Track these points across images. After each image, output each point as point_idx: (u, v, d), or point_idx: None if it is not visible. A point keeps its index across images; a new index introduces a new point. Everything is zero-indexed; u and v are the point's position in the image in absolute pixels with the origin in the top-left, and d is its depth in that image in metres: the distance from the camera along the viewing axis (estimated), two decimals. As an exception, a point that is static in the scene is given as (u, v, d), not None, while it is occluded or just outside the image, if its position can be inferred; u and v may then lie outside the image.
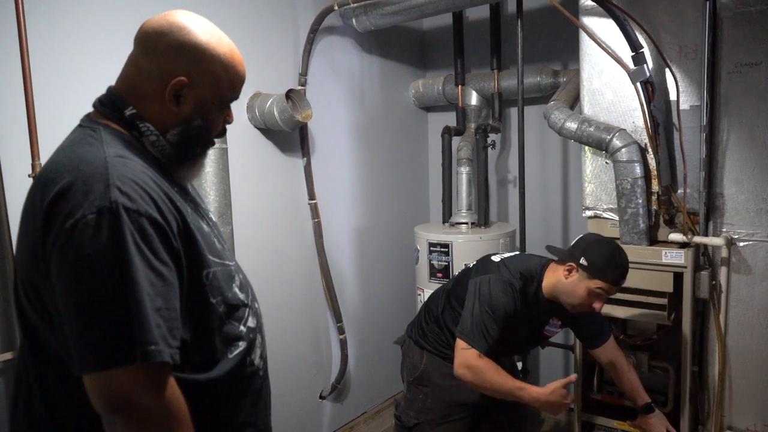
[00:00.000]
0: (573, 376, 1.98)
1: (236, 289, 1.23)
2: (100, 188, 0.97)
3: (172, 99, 1.12)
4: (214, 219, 1.34)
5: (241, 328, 1.22)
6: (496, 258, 2.15)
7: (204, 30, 1.14)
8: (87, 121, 1.15)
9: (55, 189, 0.98)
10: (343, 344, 3.26)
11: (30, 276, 1.03)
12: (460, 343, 1.97)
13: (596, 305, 1.95)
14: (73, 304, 0.95)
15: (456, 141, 3.32)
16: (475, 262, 2.22)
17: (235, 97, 1.23)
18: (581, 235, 2.08)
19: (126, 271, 0.95)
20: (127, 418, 0.95)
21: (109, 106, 1.15)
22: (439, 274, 2.99)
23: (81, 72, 2.08)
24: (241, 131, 2.70)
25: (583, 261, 1.92)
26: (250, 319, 1.25)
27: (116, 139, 1.09)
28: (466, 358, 1.94)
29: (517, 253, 2.23)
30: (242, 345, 1.21)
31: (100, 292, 0.94)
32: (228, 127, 2.41)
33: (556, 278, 2.00)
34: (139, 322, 0.95)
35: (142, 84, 1.13)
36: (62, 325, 0.97)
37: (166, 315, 0.99)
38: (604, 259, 1.92)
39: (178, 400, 1.01)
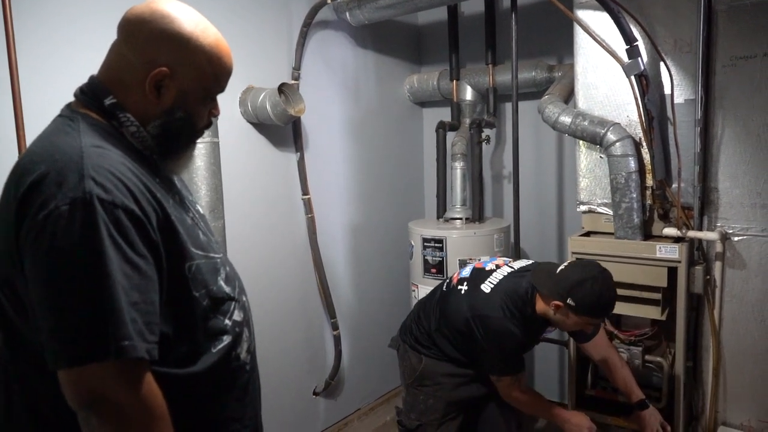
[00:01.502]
0: None
1: (222, 282, 1.20)
2: (74, 179, 0.95)
3: (152, 90, 1.09)
4: (201, 211, 1.32)
5: (227, 321, 1.19)
6: (486, 288, 2.09)
7: (188, 19, 1.11)
8: (67, 111, 1.13)
9: (29, 179, 0.96)
10: (337, 340, 3.24)
11: (4, 268, 1.01)
12: (503, 382, 2.12)
13: (587, 330, 2.09)
14: (45, 298, 0.93)
15: (451, 136, 3.30)
16: (465, 286, 2.15)
17: (221, 89, 1.21)
18: (563, 266, 2.01)
19: (100, 264, 0.92)
20: (101, 415, 0.93)
21: (89, 96, 1.12)
22: (433, 270, 2.97)
23: (68, 63, 2.06)
24: (233, 125, 2.68)
25: (570, 302, 1.91)
26: (236, 312, 1.23)
27: (95, 129, 1.07)
28: (514, 393, 2.14)
29: (505, 270, 2.15)
30: (227, 339, 1.18)
31: (73, 286, 0.92)
32: (220, 121, 2.43)
33: (546, 310, 2.01)
34: (113, 316, 0.92)
35: (124, 73, 1.10)
36: (36, 319, 0.95)
37: (142, 309, 0.97)
38: (591, 301, 1.91)
39: (156, 396, 0.99)
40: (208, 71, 1.14)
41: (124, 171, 1.02)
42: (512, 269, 2.16)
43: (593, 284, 1.89)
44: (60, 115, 1.13)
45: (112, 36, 1.14)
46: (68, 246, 0.92)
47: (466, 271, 2.23)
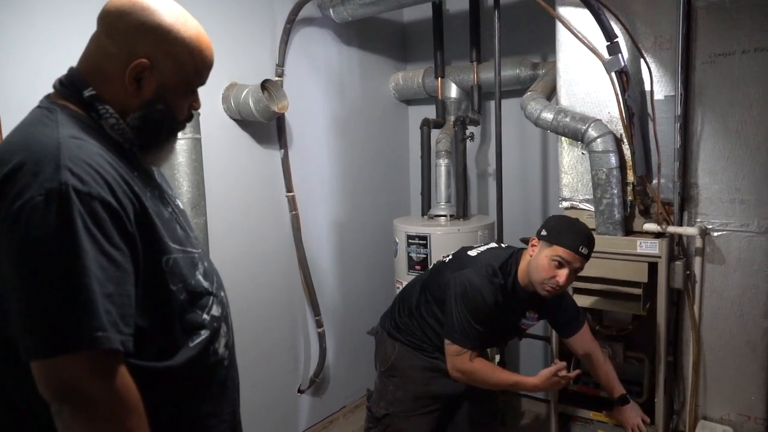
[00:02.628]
0: (562, 363, 2.01)
1: (200, 277, 1.20)
2: (50, 169, 0.94)
3: (132, 82, 1.09)
4: (182, 206, 1.31)
5: (204, 316, 1.19)
6: (472, 252, 2.12)
7: (169, 11, 1.11)
8: (45, 102, 1.12)
9: (5, 169, 0.95)
10: (322, 338, 3.24)
11: None
12: (451, 348, 2.00)
13: (559, 277, 1.91)
14: (19, 289, 0.92)
15: (435, 134, 3.30)
16: (450, 256, 2.20)
17: (202, 82, 1.20)
18: None
19: (74, 255, 0.92)
20: (74, 407, 0.92)
21: (68, 87, 1.11)
22: (418, 267, 2.98)
23: (47, 54, 2.04)
24: (216, 122, 2.66)
25: (543, 232, 1.96)
26: (214, 307, 1.23)
27: (73, 120, 1.06)
28: (459, 363, 1.99)
29: (492, 245, 2.19)
30: (205, 334, 1.18)
31: (46, 277, 0.91)
32: (202, 117, 2.42)
33: (526, 261, 2.02)
34: (87, 307, 0.92)
35: (103, 65, 1.10)
36: (9, 310, 0.94)
37: (117, 301, 0.96)
38: (561, 226, 1.96)
39: (130, 388, 0.98)
40: (188, 63, 1.13)
41: (102, 163, 1.01)
42: (499, 246, 2.21)
43: (567, 217, 2.02)
44: (38, 107, 1.12)
45: (91, 28, 1.13)
46: (43, 237, 0.91)
47: (452, 251, 2.26)
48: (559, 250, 1.90)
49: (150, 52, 1.08)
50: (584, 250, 1.90)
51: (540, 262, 1.93)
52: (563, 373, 1.99)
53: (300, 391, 3.21)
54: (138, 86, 1.09)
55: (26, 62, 2.00)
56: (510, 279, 2.03)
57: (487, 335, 2.04)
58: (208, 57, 1.17)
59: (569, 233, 1.92)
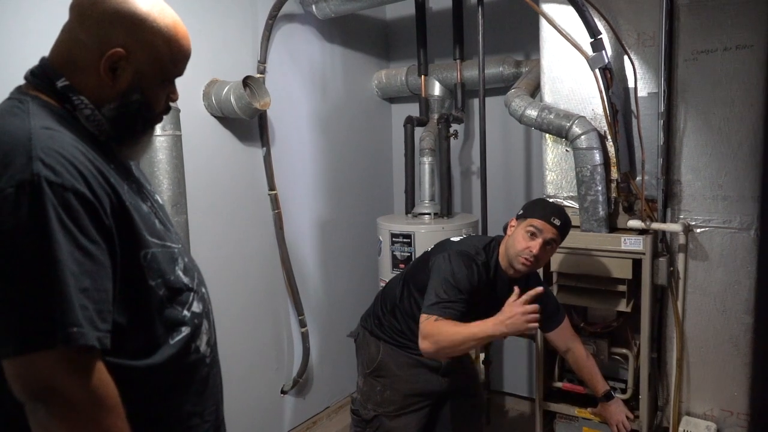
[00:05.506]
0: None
1: (180, 272, 1.17)
2: (21, 160, 0.91)
3: (107, 71, 1.06)
4: (161, 202, 1.28)
5: (185, 312, 1.16)
6: (455, 238, 2.18)
7: None
8: (16, 93, 1.09)
9: None
10: (305, 337, 3.20)
11: None
12: (421, 318, 1.90)
13: (533, 246, 1.96)
14: None
15: (419, 132, 3.29)
16: (432, 246, 2.21)
17: (179, 73, 1.18)
18: None
19: (47, 249, 0.89)
20: (49, 406, 0.89)
21: (40, 78, 1.08)
22: (402, 265, 2.96)
23: (17, 46, 1.98)
24: (196, 119, 2.62)
25: (519, 212, 2.07)
26: (195, 303, 1.20)
27: (45, 111, 1.03)
28: (423, 327, 1.86)
29: (475, 236, 2.23)
30: (185, 330, 1.15)
31: (18, 272, 0.88)
32: (183, 114, 2.38)
33: (505, 243, 2.07)
34: (61, 302, 0.89)
35: (77, 55, 1.07)
36: None
37: (94, 296, 0.93)
38: (534, 202, 2.12)
39: (107, 386, 0.95)
40: (165, 53, 1.11)
41: (76, 154, 0.98)
42: (481, 236, 2.28)
43: (541, 198, 2.21)
44: (9, 98, 1.09)
45: (63, 17, 1.10)
46: (14, 230, 0.88)
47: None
48: (532, 221, 1.99)
49: (125, 41, 1.05)
50: (556, 221, 1.97)
51: (516, 237, 2.01)
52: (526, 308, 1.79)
53: (283, 392, 3.17)
54: (113, 76, 1.07)
55: None
56: (492, 259, 2.07)
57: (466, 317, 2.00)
58: (185, 46, 1.15)
59: (541, 206, 2.05)
